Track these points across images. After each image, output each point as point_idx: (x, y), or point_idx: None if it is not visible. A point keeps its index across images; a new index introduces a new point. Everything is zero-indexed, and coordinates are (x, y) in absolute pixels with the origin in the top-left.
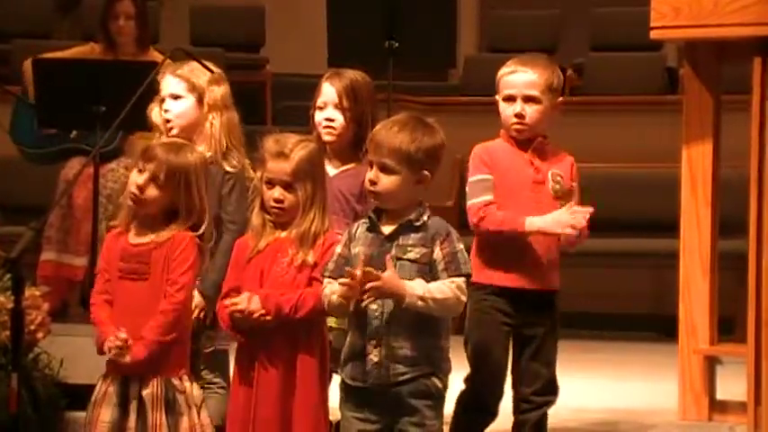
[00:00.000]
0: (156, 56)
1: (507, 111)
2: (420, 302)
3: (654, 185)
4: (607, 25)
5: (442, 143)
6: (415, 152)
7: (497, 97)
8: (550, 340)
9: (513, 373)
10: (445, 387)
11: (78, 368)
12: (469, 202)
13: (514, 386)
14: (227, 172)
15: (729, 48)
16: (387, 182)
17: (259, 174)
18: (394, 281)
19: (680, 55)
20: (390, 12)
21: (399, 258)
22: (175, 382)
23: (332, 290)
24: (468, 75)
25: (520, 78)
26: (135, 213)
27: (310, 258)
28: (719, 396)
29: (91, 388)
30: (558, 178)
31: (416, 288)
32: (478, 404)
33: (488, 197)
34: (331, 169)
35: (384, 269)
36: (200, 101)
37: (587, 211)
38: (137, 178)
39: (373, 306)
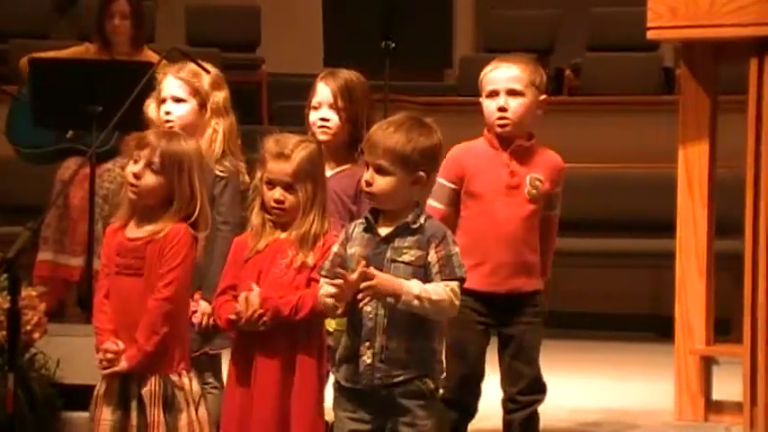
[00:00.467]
0: (151, 56)
1: (491, 107)
2: (416, 302)
3: (650, 185)
4: (604, 25)
5: (440, 143)
6: (411, 153)
7: (481, 99)
8: (530, 339)
9: (500, 372)
10: (437, 388)
11: (75, 368)
12: (428, 200)
13: (501, 386)
14: (218, 175)
15: (726, 48)
16: (382, 183)
17: (259, 174)
18: (389, 280)
19: (677, 55)
20: (387, 12)
21: (394, 260)
22: (174, 378)
23: (327, 291)
24: (465, 75)
25: (503, 73)
26: (134, 207)
27: (310, 260)
28: (716, 396)
29: (87, 388)
30: (537, 183)
31: (413, 287)
32: (456, 404)
33: (440, 205)
34: (326, 170)
35: (379, 269)
36: (201, 105)
37: None
38: (132, 168)
39: (367, 308)
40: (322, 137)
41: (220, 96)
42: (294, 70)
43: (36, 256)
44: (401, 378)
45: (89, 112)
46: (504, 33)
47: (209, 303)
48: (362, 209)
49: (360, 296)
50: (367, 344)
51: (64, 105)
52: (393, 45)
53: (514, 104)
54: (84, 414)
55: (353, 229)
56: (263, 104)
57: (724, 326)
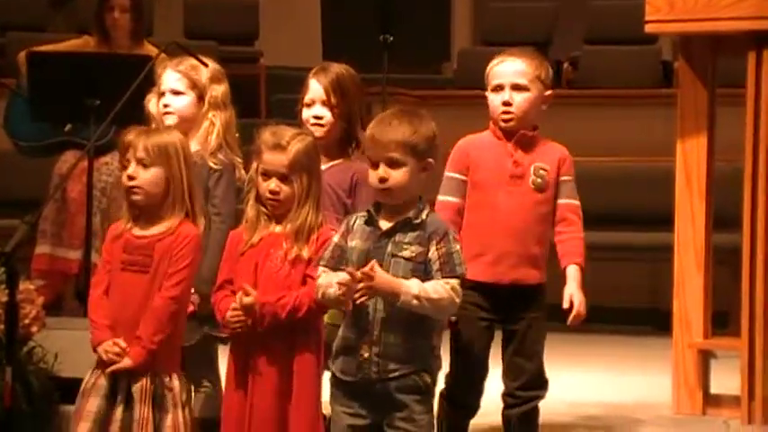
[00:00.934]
0: (150, 49)
1: (496, 101)
2: (415, 301)
3: (648, 179)
4: (602, 18)
5: (435, 130)
6: (418, 141)
7: (487, 93)
8: (533, 334)
9: (502, 366)
10: (434, 383)
11: (73, 362)
12: (438, 197)
13: (502, 380)
14: (212, 167)
15: (724, 41)
16: (398, 175)
17: (255, 165)
18: (388, 279)
19: (675, 48)
20: (385, 5)
21: (395, 255)
22: (165, 378)
23: (327, 281)
24: (463, 68)
25: (508, 67)
26: (138, 209)
27: (305, 253)
28: (713, 390)
29: None
30: (542, 172)
31: (412, 287)
32: (458, 401)
33: (454, 199)
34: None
35: (379, 263)
36: (200, 98)
37: None
38: (126, 172)
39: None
40: (316, 133)
41: (219, 90)
42: (292, 63)
43: (34, 249)
44: (398, 373)
45: (87, 106)
46: (502, 26)
47: (200, 295)
48: (357, 202)
49: (356, 295)
50: (365, 338)
51: (62, 98)
52: (391, 38)
53: (519, 99)
54: None
55: (354, 222)
56: (261, 97)
57: (722, 319)
